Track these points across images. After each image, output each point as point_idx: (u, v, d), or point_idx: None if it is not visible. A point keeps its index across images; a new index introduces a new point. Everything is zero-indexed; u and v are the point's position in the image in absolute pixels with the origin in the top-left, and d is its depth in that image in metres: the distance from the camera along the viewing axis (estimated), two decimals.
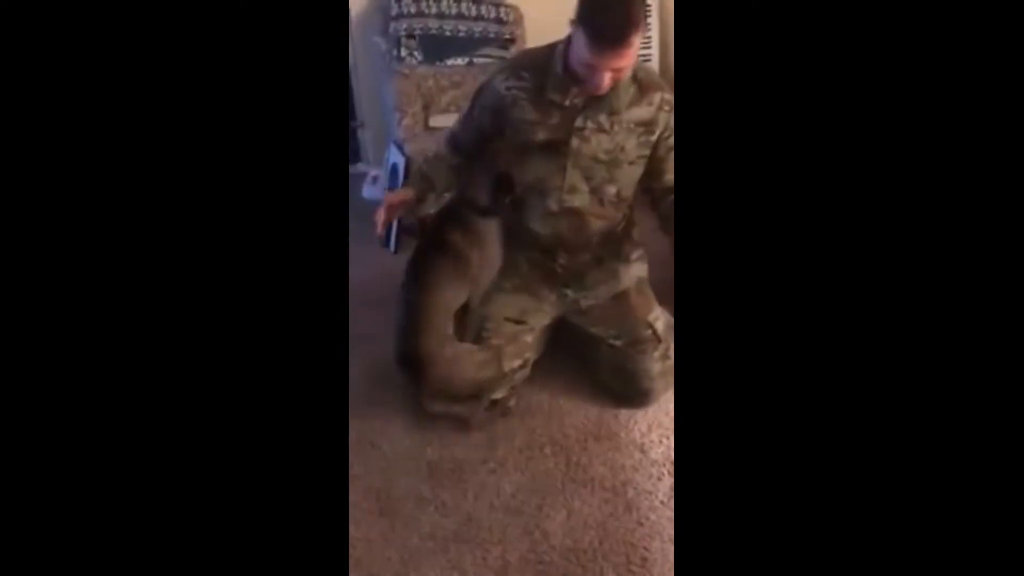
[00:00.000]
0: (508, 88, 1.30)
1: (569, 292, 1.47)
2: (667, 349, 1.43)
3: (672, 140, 1.32)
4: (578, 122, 1.27)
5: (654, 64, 2.84)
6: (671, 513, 1.23)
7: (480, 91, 1.38)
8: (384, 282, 2.03)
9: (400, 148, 2.21)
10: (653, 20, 2.80)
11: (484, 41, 2.46)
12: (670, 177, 1.33)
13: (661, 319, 1.45)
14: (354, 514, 1.21)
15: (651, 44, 2.82)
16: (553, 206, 1.36)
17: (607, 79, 1.18)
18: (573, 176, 1.32)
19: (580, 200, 1.35)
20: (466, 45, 2.44)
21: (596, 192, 1.34)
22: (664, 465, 1.34)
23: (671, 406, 1.47)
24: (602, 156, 1.29)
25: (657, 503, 1.25)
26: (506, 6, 2.50)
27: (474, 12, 2.43)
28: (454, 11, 2.42)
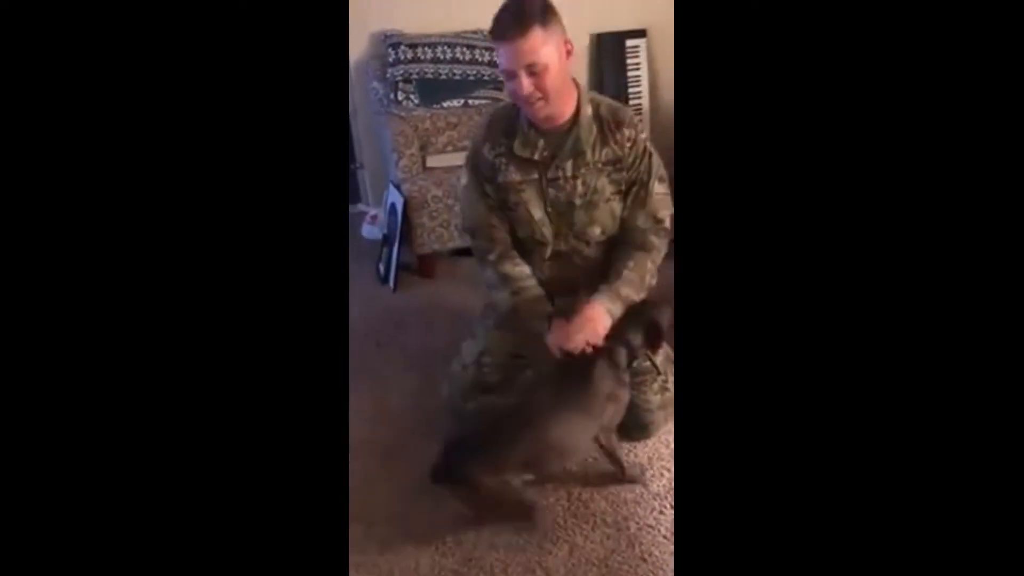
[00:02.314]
0: (495, 156, 1.31)
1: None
2: (665, 381, 1.43)
3: (646, 174, 1.31)
4: (550, 173, 1.30)
5: (644, 103, 2.92)
6: (673, 548, 1.21)
7: (474, 165, 1.35)
8: (383, 319, 2.05)
9: (398, 188, 2.25)
10: (642, 61, 2.89)
11: (479, 83, 2.54)
12: (646, 213, 1.33)
13: (661, 353, 1.45)
14: (353, 552, 1.19)
15: (641, 82, 2.91)
16: (547, 253, 1.39)
17: (526, 83, 1.16)
18: (557, 224, 1.34)
19: (567, 244, 1.37)
20: (461, 87, 2.51)
21: (581, 236, 1.35)
22: (665, 498, 1.32)
23: (671, 438, 1.47)
24: (578, 200, 1.31)
25: (660, 538, 1.24)
26: None
27: (468, 56, 2.52)
28: (449, 56, 2.50)
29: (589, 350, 1.24)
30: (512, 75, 1.18)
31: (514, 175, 1.31)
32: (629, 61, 2.88)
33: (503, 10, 1.18)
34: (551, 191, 1.31)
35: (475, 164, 1.35)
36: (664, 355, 1.46)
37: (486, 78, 2.55)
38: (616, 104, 1.32)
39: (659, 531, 1.25)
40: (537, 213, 1.33)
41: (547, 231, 1.34)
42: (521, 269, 1.36)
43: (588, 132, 1.27)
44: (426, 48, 2.48)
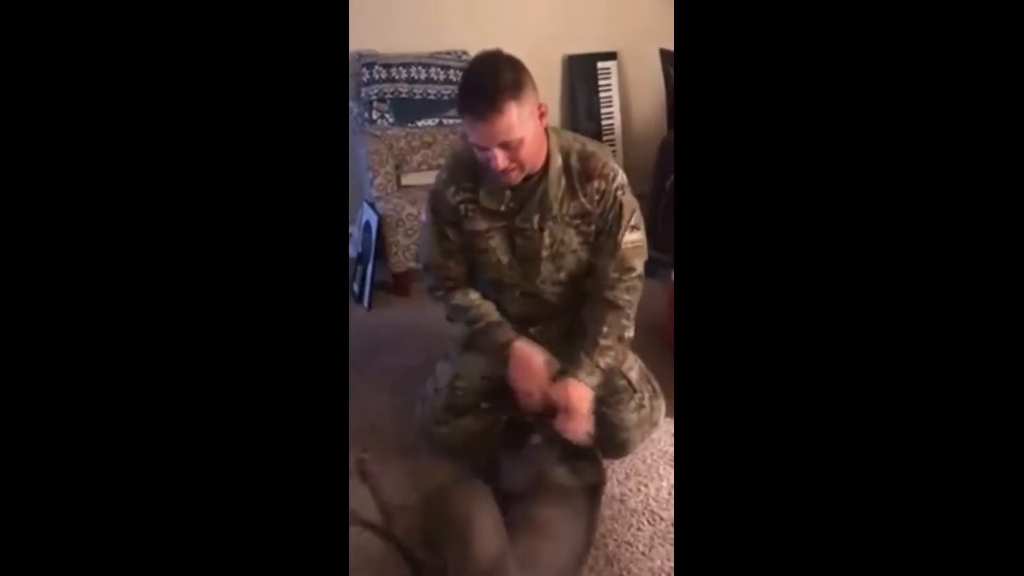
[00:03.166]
0: (459, 202, 1.27)
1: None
2: (642, 399, 1.43)
3: (615, 225, 1.27)
4: (517, 221, 1.27)
5: (616, 123, 2.98)
6: (651, 564, 1.21)
7: (435, 207, 1.31)
8: (358, 338, 2.02)
9: (372, 206, 2.25)
10: (613, 82, 2.95)
11: (453, 103, 2.55)
12: (616, 263, 1.29)
13: (635, 368, 1.45)
14: None
15: (612, 103, 2.97)
16: (516, 293, 1.38)
17: (500, 158, 1.12)
18: (524, 270, 1.33)
19: (535, 287, 1.36)
20: (436, 107, 2.53)
21: (548, 280, 1.35)
22: (643, 514, 1.32)
23: (647, 453, 1.48)
24: (544, 252, 1.30)
25: (638, 554, 1.23)
26: None
27: (443, 76, 2.54)
28: (423, 76, 2.52)
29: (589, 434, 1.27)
30: (485, 149, 1.13)
31: (480, 224, 1.28)
32: (600, 82, 2.94)
33: (473, 87, 1.10)
34: (518, 240, 1.29)
35: (435, 206, 1.30)
36: (639, 372, 1.45)
37: None
38: (587, 150, 1.26)
39: (637, 548, 1.25)
40: (504, 258, 1.31)
41: (516, 275, 1.33)
42: (471, 297, 1.34)
43: (556, 187, 1.24)
44: (400, 68, 2.50)
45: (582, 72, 2.91)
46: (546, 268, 1.32)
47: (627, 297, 1.31)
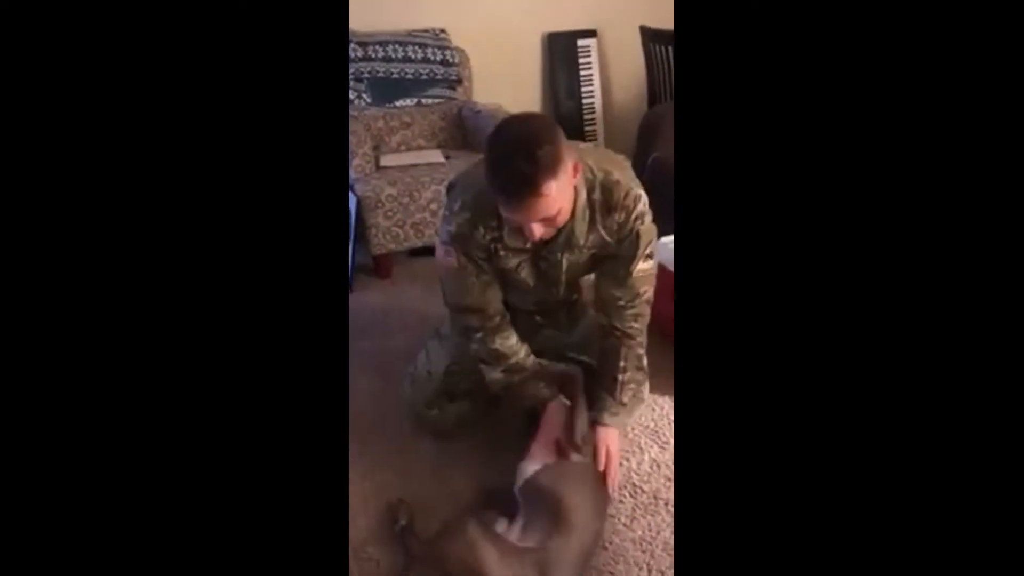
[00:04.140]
0: (489, 241, 1.23)
1: (544, 331, 1.51)
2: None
3: (630, 253, 1.26)
4: (542, 253, 1.27)
5: (596, 102, 2.96)
6: (633, 534, 1.23)
7: (466, 251, 1.24)
8: None
9: (351, 188, 2.22)
10: (593, 60, 2.93)
11: (431, 82, 2.53)
12: (625, 288, 1.28)
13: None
14: None
15: (593, 81, 2.95)
16: (532, 299, 1.41)
17: (538, 230, 1.09)
18: (547, 287, 1.35)
19: (552, 296, 1.40)
20: (414, 87, 2.49)
21: (562, 289, 1.38)
22: (625, 487, 1.34)
23: (628, 428, 1.49)
24: (563, 277, 1.32)
25: (620, 525, 1.25)
26: (452, 49, 2.58)
27: (421, 55, 2.50)
28: (401, 55, 2.48)
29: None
30: (521, 224, 1.09)
31: (511, 261, 1.27)
32: (581, 60, 2.91)
33: (508, 171, 1.02)
34: (542, 265, 1.30)
35: (466, 249, 1.23)
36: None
37: (439, 77, 2.54)
38: (611, 179, 1.21)
39: (619, 519, 1.26)
40: (531, 282, 1.32)
41: (537, 292, 1.35)
42: (511, 344, 1.32)
43: (582, 223, 1.21)
44: (377, 47, 2.45)
45: (562, 50, 2.88)
46: (563, 289, 1.36)
47: (637, 325, 1.32)
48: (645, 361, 1.35)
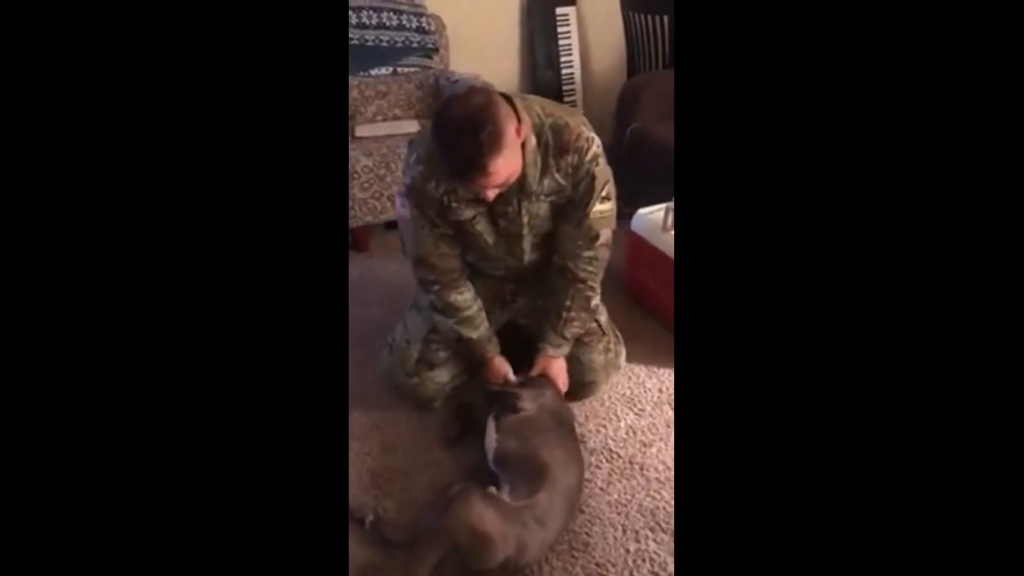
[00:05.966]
0: (442, 194, 1.25)
1: (518, 301, 1.51)
2: (609, 342, 1.48)
3: (586, 196, 1.27)
4: (497, 206, 1.27)
5: (576, 72, 2.93)
6: (609, 497, 1.27)
7: (418, 202, 1.27)
8: None
9: None
10: (572, 29, 2.89)
11: (407, 50, 2.47)
12: (581, 232, 1.30)
13: (603, 314, 1.50)
14: None
15: (572, 51, 2.91)
16: (500, 264, 1.42)
17: (491, 193, 1.15)
18: (508, 248, 1.36)
19: (518, 258, 1.40)
20: (389, 55, 2.44)
21: (527, 250, 1.38)
22: (602, 453, 1.37)
23: (605, 396, 1.52)
24: (525, 231, 1.32)
25: (597, 489, 1.29)
26: (428, 16, 2.52)
27: (396, 22, 2.44)
28: (375, 21, 2.41)
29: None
30: (477, 190, 1.15)
31: (465, 212, 1.28)
32: (560, 30, 2.87)
33: (454, 155, 1.06)
34: (501, 221, 1.31)
35: (418, 201, 1.26)
36: (607, 317, 1.51)
37: (415, 45, 2.48)
38: (559, 122, 1.23)
39: (595, 483, 1.29)
40: (491, 239, 1.33)
41: (500, 251, 1.36)
42: (466, 298, 1.37)
43: (533, 167, 1.22)
44: (350, 13, 2.38)
45: (541, 18, 2.83)
46: (526, 245, 1.36)
47: (591, 269, 1.35)
48: (595, 302, 1.40)
